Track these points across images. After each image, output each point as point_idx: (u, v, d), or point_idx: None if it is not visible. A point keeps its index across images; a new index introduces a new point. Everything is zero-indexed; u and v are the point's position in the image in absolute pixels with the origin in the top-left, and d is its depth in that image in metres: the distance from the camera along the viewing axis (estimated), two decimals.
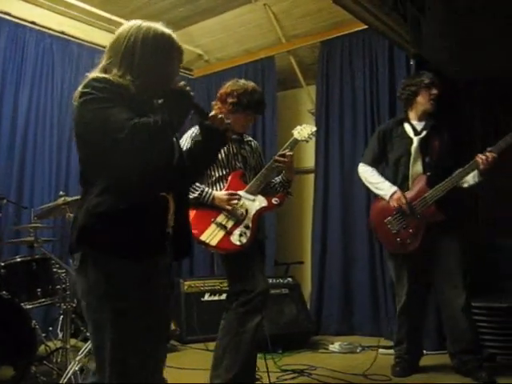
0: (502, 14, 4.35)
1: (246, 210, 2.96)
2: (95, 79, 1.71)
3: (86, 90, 1.69)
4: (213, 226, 2.90)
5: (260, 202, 3.03)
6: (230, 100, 3.00)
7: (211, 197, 2.92)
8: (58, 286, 3.64)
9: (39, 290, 3.51)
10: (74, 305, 3.76)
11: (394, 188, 3.58)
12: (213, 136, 1.96)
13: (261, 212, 3.03)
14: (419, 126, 3.67)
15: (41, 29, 5.26)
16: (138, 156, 1.62)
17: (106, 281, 1.63)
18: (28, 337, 3.12)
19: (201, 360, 3.37)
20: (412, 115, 3.71)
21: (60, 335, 3.91)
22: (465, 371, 3.47)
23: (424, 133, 3.63)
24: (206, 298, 5.03)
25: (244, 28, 5.81)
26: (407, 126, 3.70)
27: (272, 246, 5.57)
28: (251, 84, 3.08)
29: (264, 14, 5.58)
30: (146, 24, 1.82)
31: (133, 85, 1.72)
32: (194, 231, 2.79)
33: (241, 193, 2.97)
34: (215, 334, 3.01)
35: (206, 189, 2.96)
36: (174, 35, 1.86)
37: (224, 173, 3.04)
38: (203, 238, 2.86)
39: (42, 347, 3.73)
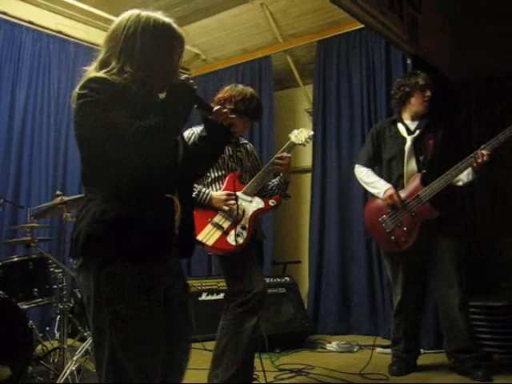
0: (498, 14, 4.37)
1: (243, 211, 2.96)
2: (93, 79, 1.66)
3: (83, 91, 1.63)
4: (209, 226, 2.89)
5: (257, 203, 3.03)
6: (227, 105, 2.98)
7: (208, 197, 2.93)
8: (55, 286, 3.63)
9: (36, 289, 3.51)
10: (71, 304, 3.76)
11: (388, 185, 3.60)
12: (217, 131, 1.90)
13: (258, 213, 3.03)
14: (412, 125, 3.68)
15: (38, 28, 5.26)
16: (141, 160, 1.58)
17: (107, 283, 1.59)
18: (25, 337, 3.11)
19: (198, 359, 3.36)
20: (405, 115, 3.72)
21: (57, 335, 3.91)
22: (461, 370, 3.48)
23: (417, 132, 3.64)
24: (204, 297, 5.03)
25: (241, 27, 5.81)
26: (400, 126, 3.71)
27: (269, 245, 5.57)
28: (250, 90, 3.08)
29: (261, 14, 5.58)
30: (145, 13, 1.75)
31: (133, 78, 1.67)
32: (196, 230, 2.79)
33: (238, 194, 2.97)
34: (213, 334, 3.01)
35: (204, 189, 2.96)
36: (175, 24, 1.79)
37: (220, 174, 3.04)
38: (200, 237, 2.85)
39: (39, 347, 3.72)
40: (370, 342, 4.44)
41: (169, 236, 1.70)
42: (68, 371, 3.13)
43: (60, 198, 3.65)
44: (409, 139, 3.63)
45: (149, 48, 1.70)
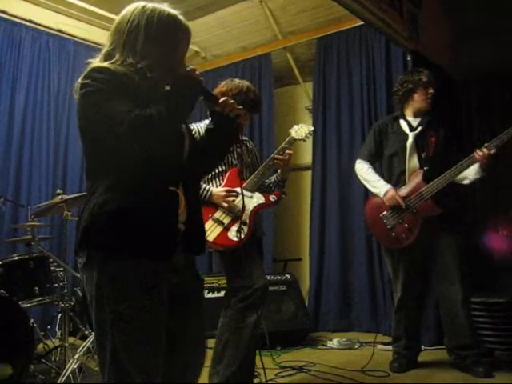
0: (498, 10, 4.36)
1: (244, 207, 2.96)
2: (96, 69, 1.64)
3: (86, 81, 1.62)
4: (210, 222, 2.90)
5: (257, 198, 3.04)
6: None
7: (209, 193, 2.93)
8: (56, 285, 3.64)
9: (37, 288, 3.51)
10: (72, 303, 3.77)
11: (388, 186, 3.60)
12: (224, 123, 1.84)
13: (258, 209, 3.04)
14: (415, 122, 3.68)
15: (37, 27, 5.26)
16: (141, 150, 1.55)
17: (109, 282, 1.56)
18: (26, 335, 3.11)
19: None
20: (407, 112, 3.72)
21: (58, 333, 3.92)
22: (463, 366, 3.48)
23: (419, 129, 3.64)
24: (204, 295, 5.01)
25: (240, 25, 5.80)
26: (403, 122, 3.71)
27: (270, 242, 5.57)
28: (246, 83, 3.08)
29: (260, 11, 5.58)
30: (150, 5, 1.73)
31: (136, 70, 1.65)
32: None
33: (238, 189, 2.97)
34: (214, 331, 3.01)
35: (204, 185, 2.96)
36: (181, 16, 1.77)
37: (220, 170, 3.05)
38: None
39: (41, 346, 3.73)
40: (370, 338, 4.44)
41: (172, 231, 1.66)
42: (69, 369, 3.14)
43: (60, 196, 3.65)
44: (411, 135, 3.62)
45: (152, 41, 1.69)
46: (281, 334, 4.42)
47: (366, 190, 4.97)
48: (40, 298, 3.52)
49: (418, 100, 3.65)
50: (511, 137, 3.32)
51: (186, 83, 1.67)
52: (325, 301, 5.34)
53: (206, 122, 3.06)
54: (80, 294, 4.23)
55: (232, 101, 1.83)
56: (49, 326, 4.10)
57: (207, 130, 1.93)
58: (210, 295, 4.97)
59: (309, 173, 5.77)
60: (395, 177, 3.65)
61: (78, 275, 3.87)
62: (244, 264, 2.90)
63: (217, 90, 3.06)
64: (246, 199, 2.98)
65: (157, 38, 1.69)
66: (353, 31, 5.41)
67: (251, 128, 5.91)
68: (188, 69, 1.71)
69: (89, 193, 1.67)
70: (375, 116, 5.14)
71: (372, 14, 3.77)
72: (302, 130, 3.12)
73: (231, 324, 2.87)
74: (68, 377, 3.10)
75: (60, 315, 3.70)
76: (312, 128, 3.18)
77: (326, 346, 4.54)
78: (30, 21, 5.18)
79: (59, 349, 3.52)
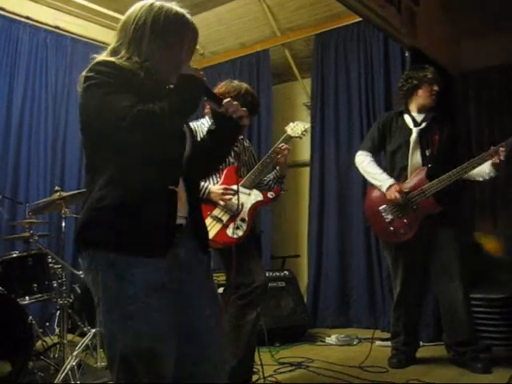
0: (497, 6, 4.36)
1: (242, 204, 2.98)
2: (100, 63, 1.63)
3: (90, 74, 1.61)
4: (209, 219, 2.90)
5: (255, 195, 3.05)
6: None
7: (207, 191, 2.93)
8: (54, 282, 3.64)
9: (35, 285, 3.51)
10: (71, 300, 3.76)
11: (391, 180, 3.58)
12: (227, 124, 1.82)
13: (256, 206, 3.05)
14: (419, 117, 3.67)
15: (35, 24, 5.24)
16: (142, 145, 1.55)
17: (117, 281, 1.55)
18: (25, 332, 3.11)
19: None
20: (412, 107, 3.71)
21: (57, 330, 3.92)
22: (461, 362, 3.49)
23: (424, 124, 3.63)
24: None
25: (239, 21, 5.79)
26: (407, 117, 3.70)
27: (268, 239, 5.58)
28: (245, 85, 3.08)
29: (259, 8, 5.57)
30: (158, 3, 1.72)
31: (141, 68, 1.64)
32: None
33: (236, 187, 2.98)
34: None
35: (202, 183, 2.96)
36: (188, 15, 1.76)
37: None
38: None
39: (39, 343, 3.73)
40: (369, 335, 4.46)
41: (171, 227, 1.65)
42: (68, 366, 3.14)
43: (58, 193, 3.65)
44: (415, 131, 3.62)
45: (158, 39, 1.68)
46: (279, 330, 4.43)
47: (365, 186, 5.00)
48: (38, 295, 3.52)
49: (422, 96, 3.65)
50: None
51: (190, 83, 1.66)
52: (323, 297, 5.34)
53: (203, 120, 3.06)
54: (78, 290, 4.23)
55: (236, 102, 1.82)
56: (47, 323, 4.10)
57: (209, 130, 1.91)
58: None
59: (307, 169, 5.77)
60: (397, 171, 3.64)
61: (77, 272, 3.88)
62: (243, 261, 2.91)
63: (215, 91, 3.06)
64: (243, 196, 2.99)
65: (163, 37, 1.69)
66: (351, 27, 5.40)
67: (249, 124, 5.89)
68: (192, 68, 1.70)
69: (88, 188, 1.65)
70: (373, 112, 5.14)
71: (370, 10, 3.77)
72: (297, 127, 3.12)
73: (231, 321, 2.88)
74: (67, 374, 3.10)
75: (58, 312, 3.69)
76: (308, 125, 3.18)
77: (324, 342, 4.55)
78: (28, 17, 5.17)
79: (58, 346, 3.52)
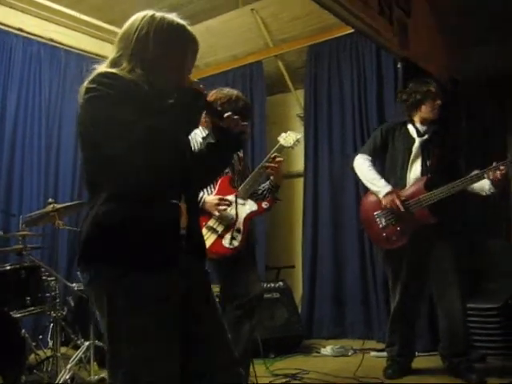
0: (488, 15, 4.40)
1: (237, 214, 2.97)
2: (103, 74, 1.60)
3: (92, 85, 1.57)
4: (204, 230, 2.89)
5: (250, 206, 3.05)
6: None
7: (202, 201, 2.93)
8: (48, 294, 3.61)
9: (28, 298, 3.48)
10: (64, 312, 3.74)
11: (389, 187, 3.59)
12: (227, 138, 1.80)
13: (251, 216, 3.05)
14: (422, 129, 3.69)
15: (28, 35, 5.24)
16: (146, 161, 1.52)
17: (123, 296, 1.53)
18: (18, 346, 3.09)
19: None
20: (416, 119, 3.73)
21: (50, 343, 3.89)
22: (456, 373, 3.49)
23: (427, 136, 3.66)
24: None
25: (232, 33, 5.80)
26: (411, 127, 3.72)
27: (263, 250, 5.57)
28: (235, 92, 3.08)
29: (251, 19, 5.59)
30: (159, 14, 1.70)
31: (145, 80, 1.62)
32: None
33: (230, 197, 2.98)
34: None
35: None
36: (189, 27, 1.74)
37: None
38: None
39: (32, 356, 3.69)
40: (364, 345, 4.45)
41: (175, 240, 1.64)
42: (62, 380, 3.12)
43: (52, 205, 3.64)
44: (418, 140, 3.64)
45: (161, 51, 1.66)
46: (274, 341, 4.42)
47: (358, 196, 5.03)
48: (32, 308, 3.49)
49: (425, 111, 3.68)
50: None
51: (191, 96, 1.64)
52: (318, 308, 5.33)
53: (196, 131, 3.05)
54: (72, 303, 4.21)
55: (237, 116, 1.80)
56: (40, 336, 4.07)
57: (209, 144, 1.88)
58: None
59: (301, 180, 5.78)
60: (396, 179, 3.65)
61: (70, 284, 3.87)
62: (239, 272, 2.92)
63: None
64: (238, 207, 2.99)
65: (166, 49, 1.67)
66: (343, 39, 5.43)
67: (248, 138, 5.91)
68: (193, 82, 1.69)
69: (89, 203, 1.63)
70: (366, 123, 5.17)
71: (362, 21, 3.79)
72: (289, 137, 3.13)
73: None
74: None
75: (52, 325, 3.67)
76: (299, 135, 3.18)
77: (319, 353, 4.54)
78: (21, 29, 5.17)
79: (51, 359, 3.48)
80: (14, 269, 3.55)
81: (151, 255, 1.56)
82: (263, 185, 3.19)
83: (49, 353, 3.66)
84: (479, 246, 4.68)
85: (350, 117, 5.33)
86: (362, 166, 3.76)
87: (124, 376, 1.54)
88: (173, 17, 1.73)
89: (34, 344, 3.75)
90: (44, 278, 3.68)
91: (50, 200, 3.75)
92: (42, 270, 3.68)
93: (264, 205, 3.11)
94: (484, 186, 3.48)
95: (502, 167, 3.33)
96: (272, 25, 5.66)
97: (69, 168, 5.44)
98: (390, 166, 3.74)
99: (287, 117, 6.40)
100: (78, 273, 1.64)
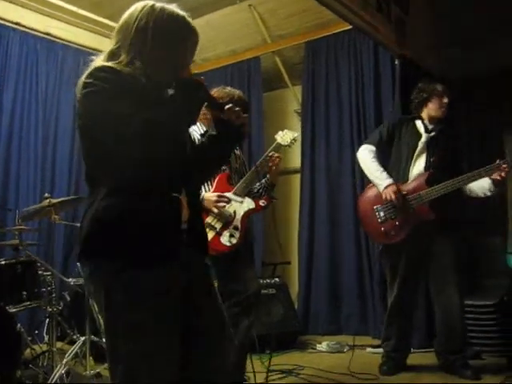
0: (485, 13, 4.40)
1: (234, 212, 2.99)
2: (100, 68, 1.58)
3: (89, 80, 1.55)
4: None
5: (248, 203, 3.07)
6: None
7: (201, 197, 2.93)
8: (44, 289, 3.61)
9: (24, 292, 3.48)
10: (60, 307, 3.74)
11: (390, 180, 3.59)
12: (228, 130, 1.78)
13: (249, 214, 3.07)
14: (430, 126, 3.70)
15: (25, 30, 5.21)
16: (143, 154, 1.50)
17: (122, 291, 1.53)
18: (13, 340, 3.09)
19: None
20: (424, 116, 3.73)
21: (46, 338, 3.88)
22: (451, 369, 3.50)
23: (433, 133, 3.66)
24: None
25: (229, 28, 5.79)
26: (419, 123, 3.73)
27: (259, 246, 5.57)
28: (237, 92, 3.10)
29: (249, 15, 5.58)
30: (159, 5, 1.67)
31: (143, 72, 1.60)
32: None
33: (228, 194, 2.99)
34: None
35: None
36: (189, 18, 1.70)
37: None
38: None
39: (28, 351, 3.69)
40: (360, 342, 4.46)
41: (176, 234, 1.63)
42: (57, 375, 3.12)
43: (48, 200, 3.63)
44: (424, 136, 3.65)
45: (160, 42, 1.64)
46: (270, 337, 4.41)
47: (355, 192, 5.04)
48: (27, 303, 3.49)
49: (432, 108, 3.68)
50: None
51: (191, 88, 1.63)
52: (314, 304, 5.34)
53: (195, 128, 3.04)
54: (68, 298, 4.21)
55: (237, 108, 1.78)
56: (36, 331, 4.06)
57: (210, 136, 1.85)
58: None
59: (298, 176, 5.78)
60: (399, 173, 3.66)
61: (66, 279, 3.87)
62: (237, 269, 2.94)
63: None
64: (236, 204, 3.00)
65: (166, 40, 1.65)
66: (341, 35, 5.43)
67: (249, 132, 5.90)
68: (193, 74, 1.69)
69: (90, 198, 1.62)
70: (363, 119, 5.17)
71: (360, 18, 3.79)
72: (287, 135, 3.14)
73: None
74: (56, 382, 3.08)
75: (48, 320, 3.67)
76: (296, 134, 3.20)
77: (315, 349, 4.55)
78: (18, 23, 5.14)
79: (47, 354, 3.48)
80: (10, 263, 3.54)
81: (151, 250, 1.56)
82: (259, 183, 3.19)
83: (44, 348, 3.66)
84: (475, 243, 4.69)
85: (348, 113, 5.33)
86: (366, 156, 3.75)
87: (123, 370, 1.54)
88: (173, 7, 1.70)
89: (29, 339, 3.75)
90: (40, 272, 3.67)
91: (47, 195, 3.74)
92: (38, 264, 3.68)
93: (261, 203, 3.13)
94: (484, 185, 3.49)
95: (504, 165, 3.33)
96: (270, 21, 5.65)
97: (65, 163, 5.43)
98: (395, 160, 3.74)
99: (285, 113, 6.40)
100: (79, 264, 1.64)
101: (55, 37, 5.44)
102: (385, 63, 5.00)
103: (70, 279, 3.95)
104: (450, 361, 3.51)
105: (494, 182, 3.41)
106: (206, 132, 2.88)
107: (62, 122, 5.41)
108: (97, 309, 1.64)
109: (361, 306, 5.06)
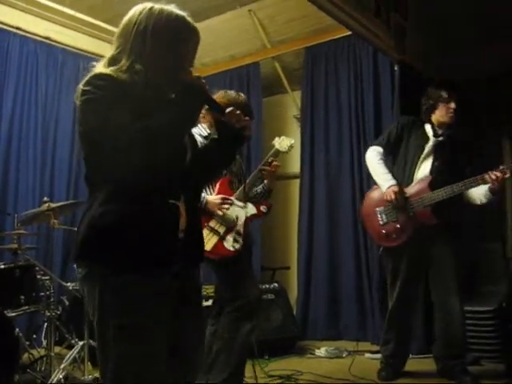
0: (482, 19, 4.41)
1: (237, 217, 2.99)
2: (97, 76, 1.58)
3: (87, 87, 1.56)
4: (206, 231, 2.90)
5: (250, 209, 3.08)
6: None
7: (204, 201, 2.92)
8: (42, 293, 3.60)
9: (23, 297, 3.47)
10: (59, 312, 3.72)
11: (393, 181, 3.60)
12: (229, 133, 1.78)
13: (250, 219, 3.09)
14: (439, 130, 3.70)
15: (25, 34, 5.22)
16: (142, 162, 1.51)
17: (113, 295, 1.53)
18: (11, 345, 3.08)
19: None
20: (433, 121, 3.73)
21: (44, 343, 3.87)
22: (450, 375, 3.50)
23: (441, 138, 3.66)
24: None
25: (229, 34, 5.81)
26: (428, 127, 3.73)
27: (258, 251, 5.56)
28: (243, 97, 3.10)
29: (249, 20, 5.59)
30: (157, 7, 1.66)
31: (143, 76, 1.60)
32: None
33: (232, 198, 3.00)
34: None
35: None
36: (189, 18, 1.70)
37: None
38: None
39: (26, 355, 3.68)
40: (359, 347, 4.45)
41: (172, 242, 1.63)
42: (55, 380, 3.10)
43: (47, 204, 3.63)
44: (432, 140, 3.66)
45: (160, 44, 1.64)
46: (269, 342, 4.41)
47: (354, 198, 5.05)
48: (26, 307, 3.48)
49: (440, 114, 3.68)
50: None
51: (191, 91, 1.62)
52: (313, 309, 5.33)
53: (197, 130, 3.04)
54: (66, 302, 4.19)
55: (238, 111, 1.79)
56: (34, 336, 4.05)
57: (212, 139, 1.86)
58: None
59: (297, 181, 5.78)
60: (404, 175, 3.66)
61: (65, 284, 3.85)
62: (238, 274, 2.95)
63: None
64: (238, 209, 3.01)
65: (166, 42, 1.65)
66: (341, 41, 5.45)
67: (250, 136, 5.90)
68: (193, 76, 1.67)
69: (89, 202, 1.62)
70: (363, 124, 5.18)
71: (359, 23, 3.80)
72: (284, 142, 3.14)
73: (224, 334, 2.89)
74: None
75: (46, 324, 3.66)
76: (293, 141, 3.20)
77: (313, 354, 4.55)
78: (18, 28, 5.15)
79: (45, 358, 3.47)
80: (9, 268, 3.54)
81: (145, 256, 1.56)
82: (255, 188, 3.19)
83: (42, 352, 3.65)
84: (474, 249, 4.68)
85: (347, 118, 5.34)
86: (373, 158, 3.76)
87: (112, 371, 1.55)
88: (172, 8, 1.69)
89: (27, 343, 3.73)
90: (39, 277, 3.66)
91: (46, 199, 3.74)
92: (37, 269, 3.67)
93: (263, 209, 3.15)
94: (481, 192, 3.49)
95: (506, 171, 3.32)
96: (269, 26, 5.67)
97: (64, 167, 5.43)
98: (401, 162, 3.74)
99: (284, 118, 6.40)
100: (75, 265, 1.64)
101: (55, 41, 5.45)
102: (384, 68, 5.02)
103: (69, 283, 3.94)
104: (450, 366, 3.50)
105: (491, 189, 3.41)
106: (209, 135, 2.88)
107: (62, 125, 5.42)
108: (90, 310, 1.64)
109: (360, 312, 5.05)
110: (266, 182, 3.15)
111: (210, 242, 2.88)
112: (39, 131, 5.26)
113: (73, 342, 3.74)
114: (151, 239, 1.57)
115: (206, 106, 1.74)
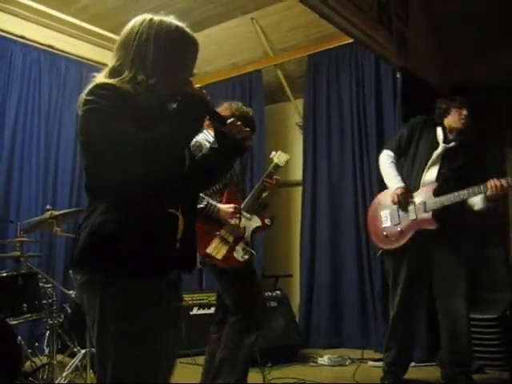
0: (485, 26, 4.42)
1: (245, 227, 3.01)
2: (100, 86, 1.60)
3: (89, 97, 1.57)
4: (217, 240, 2.91)
5: (255, 221, 3.11)
6: None
7: (216, 209, 2.93)
8: (45, 301, 3.60)
9: (25, 305, 3.47)
10: (61, 320, 3.72)
11: (401, 184, 3.60)
12: (230, 144, 1.81)
13: (256, 231, 3.12)
14: (450, 136, 3.70)
15: (28, 42, 5.26)
16: (144, 172, 1.52)
17: (113, 302, 1.55)
18: (14, 353, 3.08)
19: (189, 374, 3.34)
20: (445, 125, 3.73)
21: (46, 351, 3.87)
22: (455, 382, 3.47)
23: (452, 144, 3.66)
24: (195, 311, 5.01)
25: (231, 42, 5.83)
26: (439, 131, 3.71)
27: (259, 258, 5.55)
28: (245, 108, 3.12)
29: (251, 28, 5.62)
30: (157, 18, 1.69)
31: (145, 86, 1.61)
32: (199, 244, 2.77)
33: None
34: (204, 348, 3.00)
35: (211, 200, 2.95)
36: (188, 29, 1.72)
37: (218, 187, 3.05)
38: (209, 250, 2.89)
39: (28, 363, 3.67)
40: (361, 355, 4.43)
41: (170, 252, 1.65)
42: None
43: (50, 212, 3.63)
44: (441, 146, 3.64)
45: (161, 55, 1.65)
46: (271, 350, 4.40)
47: (357, 205, 5.05)
48: (28, 315, 3.48)
49: (452, 120, 3.66)
50: None
51: (193, 102, 1.64)
52: (315, 317, 5.32)
53: (202, 136, 3.03)
54: (69, 310, 4.19)
55: (239, 122, 1.80)
56: (37, 343, 4.05)
57: (211, 148, 1.88)
58: (201, 312, 4.95)
59: (299, 189, 5.78)
60: (411, 179, 3.65)
61: (67, 292, 3.85)
62: (244, 283, 2.95)
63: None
64: (246, 220, 3.04)
65: (167, 53, 1.66)
66: (343, 49, 5.46)
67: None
68: (195, 87, 1.69)
69: (88, 210, 1.64)
70: (365, 132, 5.18)
71: (361, 31, 3.81)
72: (281, 156, 3.19)
73: (229, 342, 2.89)
74: None
75: (48, 332, 3.66)
76: (289, 156, 3.24)
77: (316, 362, 4.52)
78: (21, 36, 5.19)
79: (47, 366, 3.47)
80: (11, 275, 3.54)
81: (144, 263, 1.57)
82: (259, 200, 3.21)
83: (45, 360, 3.65)
84: (477, 256, 4.67)
85: (349, 126, 5.35)
86: (384, 161, 3.78)
87: (111, 376, 1.55)
88: (171, 19, 1.72)
89: (29, 351, 3.73)
90: (41, 284, 3.67)
91: (48, 207, 3.75)
92: (39, 276, 3.67)
93: (267, 221, 3.18)
94: (478, 199, 3.48)
95: (496, 182, 3.32)
96: (272, 34, 5.69)
97: (67, 175, 5.44)
98: (409, 166, 3.74)
99: (286, 126, 6.42)
100: (71, 272, 1.65)
101: (58, 49, 5.49)
102: (386, 76, 5.03)
103: (71, 291, 3.93)
104: (455, 373, 3.47)
105: (488, 196, 3.40)
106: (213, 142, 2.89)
107: (65, 133, 5.44)
108: (88, 317, 1.65)
109: (362, 320, 5.04)
110: (263, 195, 3.16)
111: (220, 251, 2.89)
112: (42, 139, 5.29)
113: (75, 349, 3.73)
114: (151, 247, 1.58)
115: (208, 117, 1.74)
